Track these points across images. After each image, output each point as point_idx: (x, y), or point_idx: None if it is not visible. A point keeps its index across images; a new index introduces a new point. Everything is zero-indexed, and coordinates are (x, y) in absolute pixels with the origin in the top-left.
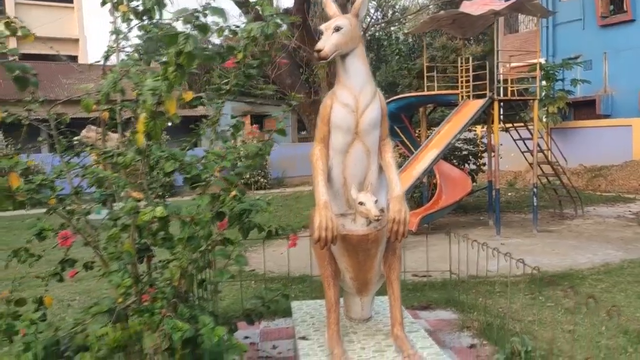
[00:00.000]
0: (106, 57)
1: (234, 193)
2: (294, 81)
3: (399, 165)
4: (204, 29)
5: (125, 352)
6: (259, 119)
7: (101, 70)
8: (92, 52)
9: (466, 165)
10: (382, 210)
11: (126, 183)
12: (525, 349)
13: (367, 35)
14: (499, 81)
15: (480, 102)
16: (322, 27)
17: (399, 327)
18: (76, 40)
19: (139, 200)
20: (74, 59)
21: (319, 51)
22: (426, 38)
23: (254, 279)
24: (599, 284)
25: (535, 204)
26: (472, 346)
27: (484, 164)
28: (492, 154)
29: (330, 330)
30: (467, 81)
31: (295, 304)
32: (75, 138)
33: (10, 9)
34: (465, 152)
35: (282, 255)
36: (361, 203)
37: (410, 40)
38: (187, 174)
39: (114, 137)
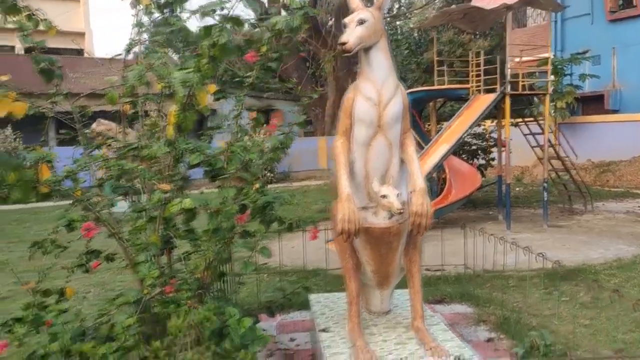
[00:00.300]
0: (128, 50)
1: (257, 186)
2: (301, 75)
3: None
4: (238, 21)
5: (150, 343)
6: (264, 113)
7: (109, 63)
8: (97, 46)
9: (475, 160)
10: (403, 204)
11: (152, 175)
12: (544, 343)
13: None
14: (511, 76)
15: (491, 97)
16: (346, 20)
17: (420, 320)
18: (82, 34)
19: (166, 192)
20: (79, 52)
21: (343, 44)
22: (433, 32)
23: (266, 272)
24: (612, 279)
25: (545, 199)
26: (489, 340)
27: (493, 159)
28: (502, 148)
29: (352, 322)
30: (478, 75)
31: (313, 297)
32: (86, 131)
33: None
34: (474, 147)
35: (293, 249)
36: (383, 196)
37: (416, 34)
38: (211, 167)
39: (128, 131)
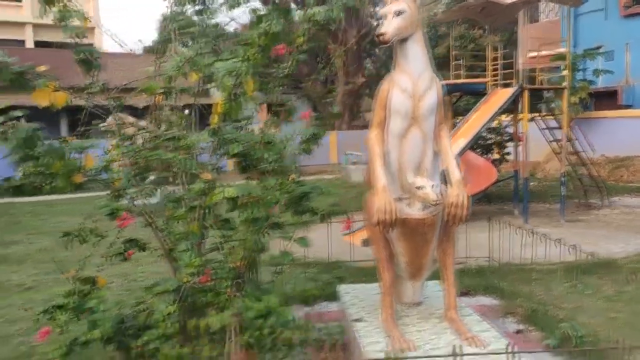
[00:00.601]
0: (162, 42)
1: (293, 176)
2: (310, 70)
3: None
4: (286, 11)
5: (188, 331)
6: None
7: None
8: (106, 41)
9: (489, 154)
10: (439, 195)
11: (192, 165)
12: (577, 334)
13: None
14: (528, 70)
15: (510, 91)
16: (383, 11)
17: (454, 311)
18: (92, 29)
19: (208, 182)
20: (90, 46)
21: (381, 35)
22: (446, 27)
23: (291, 263)
24: (637, 273)
25: (563, 193)
26: (519, 332)
27: (508, 154)
28: (519, 143)
29: (386, 313)
30: (494, 70)
31: (342, 288)
32: (102, 125)
33: None
34: (489, 142)
35: (312, 241)
36: (419, 187)
37: (426, 29)
38: (245, 157)
39: (141, 123)
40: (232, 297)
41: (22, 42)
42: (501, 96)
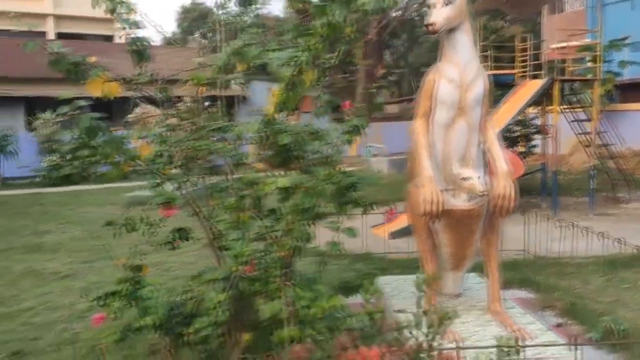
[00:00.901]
0: (208, 32)
1: (340, 167)
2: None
3: None
4: (348, 2)
5: (237, 320)
6: None
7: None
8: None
9: (515, 147)
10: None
11: (242, 155)
12: (619, 328)
13: (404, 16)
14: (559, 61)
15: (539, 83)
16: (432, 0)
17: (498, 303)
18: (111, 20)
19: (260, 171)
20: (108, 38)
21: (430, 25)
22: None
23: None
24: None
25: (592, 187)
26: (559, 325)
27: (534, 146)
28: (546, 135)
29: (429, 304)
30: (523, 61)
31: (381, 279)
32: (130, 116)
33: None
34: (516, 134)
35: (337, 233)
36: (465, 178)
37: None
38: (292, 148)
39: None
40: (282, 286)
41: (44, 33)
42: (530, 88)
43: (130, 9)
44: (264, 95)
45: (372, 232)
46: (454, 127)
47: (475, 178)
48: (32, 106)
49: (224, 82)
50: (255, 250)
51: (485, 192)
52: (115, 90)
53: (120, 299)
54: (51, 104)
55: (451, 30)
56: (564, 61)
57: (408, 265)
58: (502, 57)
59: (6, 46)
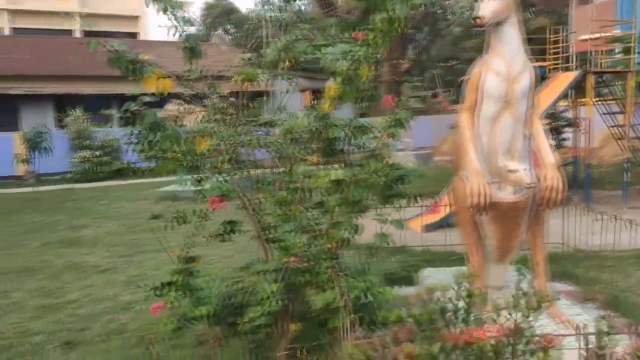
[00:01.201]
0: (252, 28)
1: (387, 160)
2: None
3: None
4: None
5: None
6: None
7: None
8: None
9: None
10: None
11: (294, 148)
12: None
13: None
14: (594, 53)
15: (572, 75)
16: None
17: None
18: (136, 17)
19: (314, 164)
20: (133, 35)
21: (477, 19)
22: None
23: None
24: None
25: (626, 179)
26: (602, 317)
27: (565, 139)
28: (578, 128)
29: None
30: (555, 53)
31: (424, 272)
32: (160, 113)
33: None
34: (546, 127)
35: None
36: (511, 171)
37: (467, 13)
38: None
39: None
40: (333, 277)
41: (70, 31)
42: (563, 80)
43: (181, 7)
44: (287, 92)
45: (409, 225)
46: (500, 120)
47: (521, 170)
48: (62, 103)
49: (270, 77)
50: (305, 243)
51: (532, 184)
52: (169, 86)
53: (176, 289)
54: (80, 101)
55: (498, 24)
56: (595, 53)
57: (445, 258)
58: (532, 49)
59: (34, 45)
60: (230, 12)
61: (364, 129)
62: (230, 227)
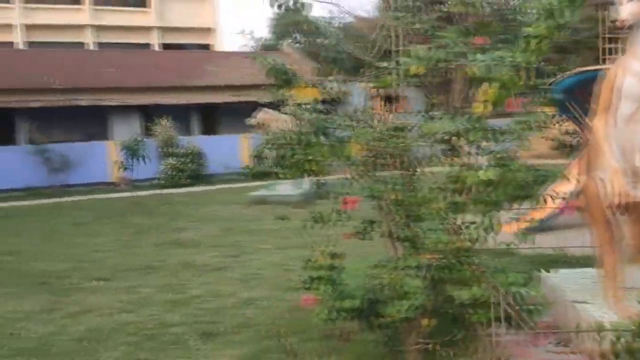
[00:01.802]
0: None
1: (521, 162)
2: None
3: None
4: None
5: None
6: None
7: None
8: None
9: None
10: None
11: (434, 151)
12: None
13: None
14: None
15: None
16: None
17: None
18: (208, 29)
19: (462, 165)
20: (207, 47)
21: (617, 21)
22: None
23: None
24: None
25: None
26: None
27: None
28: None
29: (615, 296)
30: None
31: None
32: (251, 121)
33: (155, 2)
34: None
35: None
36: None
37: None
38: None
39: (280, 118)
40: (478, 273)
41: (148, 45)
42: None
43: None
44: (361, 96)
45: (504, 229)
46: (637, 120)
47: None
48: (148, 114)
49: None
50: (447, 241)
51: None
52: (315, 94)
53: (325, 283)
54: (163, 110)
55: (637, 26)
56: None
57: (557, 260)
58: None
59: (119, 59)
60: (299, 22)
61: (503, 132)
62: (371, 226)
